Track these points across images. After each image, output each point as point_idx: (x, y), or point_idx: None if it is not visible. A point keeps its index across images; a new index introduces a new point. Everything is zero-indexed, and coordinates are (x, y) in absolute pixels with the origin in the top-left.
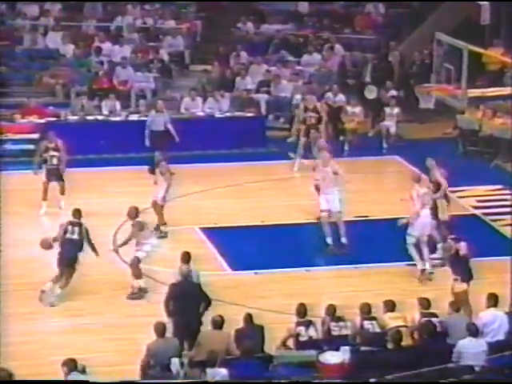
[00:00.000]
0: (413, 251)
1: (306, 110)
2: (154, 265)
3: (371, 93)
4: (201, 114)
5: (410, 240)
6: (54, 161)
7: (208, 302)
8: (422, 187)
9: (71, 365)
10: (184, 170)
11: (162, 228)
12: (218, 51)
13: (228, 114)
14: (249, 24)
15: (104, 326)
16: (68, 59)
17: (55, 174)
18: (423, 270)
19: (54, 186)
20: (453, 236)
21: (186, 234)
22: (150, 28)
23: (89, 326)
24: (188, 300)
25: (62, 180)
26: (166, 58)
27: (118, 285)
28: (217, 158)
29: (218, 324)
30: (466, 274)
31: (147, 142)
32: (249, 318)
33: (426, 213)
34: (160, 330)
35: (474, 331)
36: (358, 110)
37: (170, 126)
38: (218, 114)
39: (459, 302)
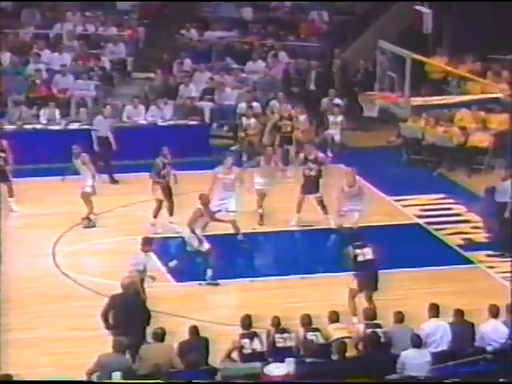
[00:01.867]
0: None
1: (281, 118)
2: (96, 276)
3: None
4: (143, 122)
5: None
6: (0, 162)
7: (148, 315)
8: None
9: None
10: (128, 179)
11: (92, 217)
12: (161, 58)
13: (171, 122)
14: (192, 31)
15: (41, 340)
16: (5, 67)
17: (1, 175)
18: None
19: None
20: (358, 242)
21: (130, 244)
22: (91, 35)
23: (25, 341)
24: (128, 313)
25: (9, 181)
26: (107, 65)
27: (55, 297)
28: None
29: (160, 336)
30: (365, 281)
31: (95, 147)
32: (194, 331)
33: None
34: (116, 346)
35: (418, 342)
36: (302, 117)
37: (109, 134)
38: (160, 123)
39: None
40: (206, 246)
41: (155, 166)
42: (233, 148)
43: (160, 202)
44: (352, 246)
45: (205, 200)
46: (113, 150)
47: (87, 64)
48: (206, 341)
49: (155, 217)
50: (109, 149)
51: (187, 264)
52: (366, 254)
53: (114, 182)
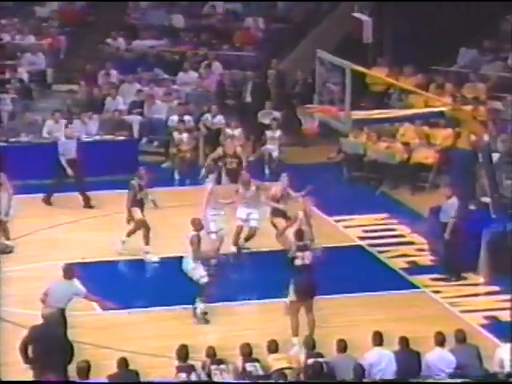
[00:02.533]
0: None
1: (225, 155)
2: (14, 306)
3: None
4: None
5: None
6: None
7: (71, 348)
8: None
9: None
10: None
11: (8, 243)
12: (84, 69)
13: (97, 138)
14: (119, 39)
15: None
16: None
17: None
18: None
19: None
20: (302, 243)
21: (50, 270)
22: (7, 44)
23: None
24: (50, 345)
25: None
26: (25, 77)
27: None
28: (85, 185)
29: (84, 370)
30: (302, 288)
31: (69, 171)
32: (123, 363)
33: None
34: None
35: (360, 372)
36: (237, 132)
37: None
38: (85, 138)
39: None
40: (206, 279)
41: (131, 189)
42: (164, 165)
43: (145, 223)
44: (296, 246)
45: (198, 226)
46: (81, 171)
47: (2, 76)
48: (136, 374)
49: (147, 243)
50: (79, 169)
51: (116, 291)
52: (305, 258)
53: (88, 205)
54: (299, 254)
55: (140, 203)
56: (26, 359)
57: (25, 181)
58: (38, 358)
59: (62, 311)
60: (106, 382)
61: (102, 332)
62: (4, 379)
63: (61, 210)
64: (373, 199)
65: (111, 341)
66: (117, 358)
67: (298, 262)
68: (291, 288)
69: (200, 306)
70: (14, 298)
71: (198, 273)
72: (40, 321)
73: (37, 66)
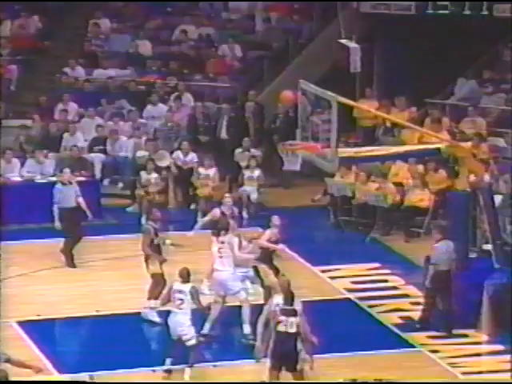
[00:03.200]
0: None
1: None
2: None
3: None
4: (18, 179)
5: None
6: None
7: None
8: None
9: None
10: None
11: None
12: (39, 102)
13: (53, 179)
14: (78, 69)
15: None
16: None
17: None
18: None
19: None
20: (288, 307)
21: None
22: None
23: None
24: None
25: None
26: None
27: None
28: (39, 232)
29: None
30: (282, 359)
31: (57, 224)
32: None
33: None
34: None
35: None
36: (212, 172)
37: (80, 200)
38: (40, 179)
39: None
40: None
41: (145, 234)
42: (129, 209)
43: (162, 277)
44: (280, 306)
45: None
46: (80, 224)
47: None
48: None
49: (156, 298)
50: (75, 221)
51: (74, 351)
52: (290, 325)
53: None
54: (283, 318)
55: (158, 249)
56: None
57: None
58: None
59: None
60: (106, 382)
61: None
62: None
63: (9, 261)
64: (362, 247)
65: None
66: None
67: (281, 327)
68: (269, 353)
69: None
70: None
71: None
72: None
73: None
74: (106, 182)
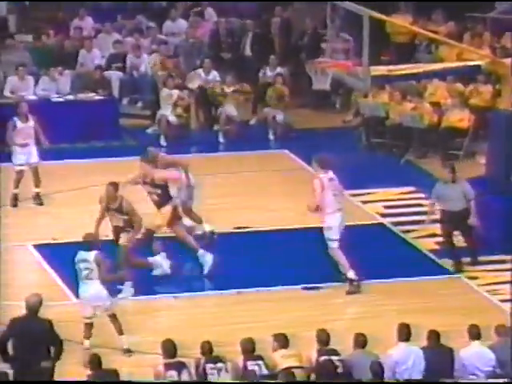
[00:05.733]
0: (341, 257)
1: None
2: None
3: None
4: (33, 97)
5: (333, 245)
6: None
7: (60, 345)
8: (327, 172)
9: None
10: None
11: None
12: (54, 17)
13: (69, 97)
14: None
15: None
16: None
17: None
18: (352, 281)
19: None
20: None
21: (16, 253)
22: None
23: None
24: (33, 341)
25: None
26: None
27: None
28: (56, 153)
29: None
30: None
31: None
32: (96, 361)
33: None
34: None
35: (378, 371)
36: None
37: None
38: (55, 98)
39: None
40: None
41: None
42: (149, 130)
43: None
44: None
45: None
46: None
47: None
48: (115, 374)
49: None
50: None
51: None
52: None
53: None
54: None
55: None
56: (5, 357)
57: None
58: (20, 355)
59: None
60: (111, 382)
61: (78, 325)
62: None
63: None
64: (396, 170)
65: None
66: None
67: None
68: None
69: None
70: None
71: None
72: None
73: None
74: (124, 101)
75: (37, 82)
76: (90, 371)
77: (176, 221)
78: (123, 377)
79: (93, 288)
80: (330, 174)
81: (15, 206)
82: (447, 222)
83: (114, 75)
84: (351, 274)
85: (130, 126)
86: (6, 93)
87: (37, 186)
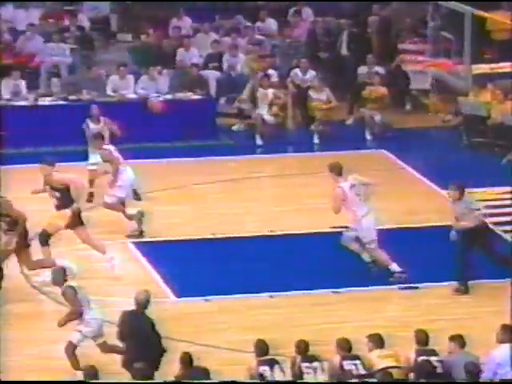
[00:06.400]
0: (381, 254)
1: None
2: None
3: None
4: (132, 96)
5: (373, 245)
6: None
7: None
8: (347, 179)
9: None
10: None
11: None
12: (154, 16)
13: (168, 97)
14: None
15: None
16: None
17: None
18: (395, 273)
19: None
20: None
21: (116, 250)
22: None
23: None
24: (142, 336)
25: None
26: (86, 24)
27: None
28: (154, 152)
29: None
30: None
31: None
32: (187, 360)
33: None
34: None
35: (473, 372)
36: (325, 94)
37: None
38: (154, 97)
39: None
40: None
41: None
42: (235, 127)
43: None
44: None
45: None
46: None
47: (61, 23)
48: (206, 372)
49: None
50: None
51: (191, 275)
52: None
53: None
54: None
55: None
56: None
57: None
58: (134, 351)
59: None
60: (107, 382)
61: (174, 323)
62: None
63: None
64: (498, 169)
65: (184, 333)
66: (195, 351)
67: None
68: None
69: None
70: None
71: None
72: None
73: (99, 11)
74: (221, 100)
75: (137, 81)
76: (180, 369)
77: (77, 225)
78: (214, 375)
79: None
80: (350, 179)
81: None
82: None
83: (212, 75)
84: (395, 266)
85: (227, 126)
86: (108, 91)
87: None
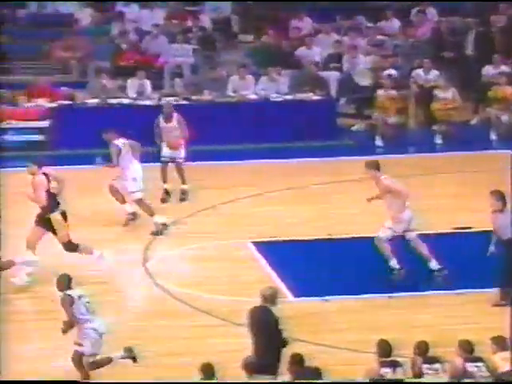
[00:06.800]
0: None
1: None
2: (192, 288)
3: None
4: (253, 96)
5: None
6: None
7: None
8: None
9: None
10: (232, 167)
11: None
12: (274, 16)
13: (288, 97)
14: None
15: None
16: (84, 27)
17: None
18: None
19: None
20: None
21: (235, 250)
22: None
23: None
24: (269, 329)
25: None
26: (208, 25)
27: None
28: (274, 152)
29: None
30: None
31: None
32: (299, 361)
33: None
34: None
35: None
36: (450, 94)
37: None
38: (274, 97)
39: None
40: None
41: None
42: (354, 127)
43: None
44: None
45: None
46: None
47: (184, 24)
48: (318, 373)
49: None
50: None
51: (309, 275)
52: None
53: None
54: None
55: None
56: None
57: (207, 146)
58: (258, 342)
59: None
60: (106, 382)
61: (292, 322)
62: None
63: (242, 182)
64: None
65: (303, 332)
66: (313, 351)
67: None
68: None
69: None
70: (187, 279)
71: None
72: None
73: (221, 12)
74: (342, 101)
75: (257, 82)
76: (291, 369)
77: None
78: (332, 375)
79: None
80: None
81: (164, 201)
82: None
83: (332, 75)
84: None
85: (347, 126)
86: (229, 92)
87: (183, 182)
